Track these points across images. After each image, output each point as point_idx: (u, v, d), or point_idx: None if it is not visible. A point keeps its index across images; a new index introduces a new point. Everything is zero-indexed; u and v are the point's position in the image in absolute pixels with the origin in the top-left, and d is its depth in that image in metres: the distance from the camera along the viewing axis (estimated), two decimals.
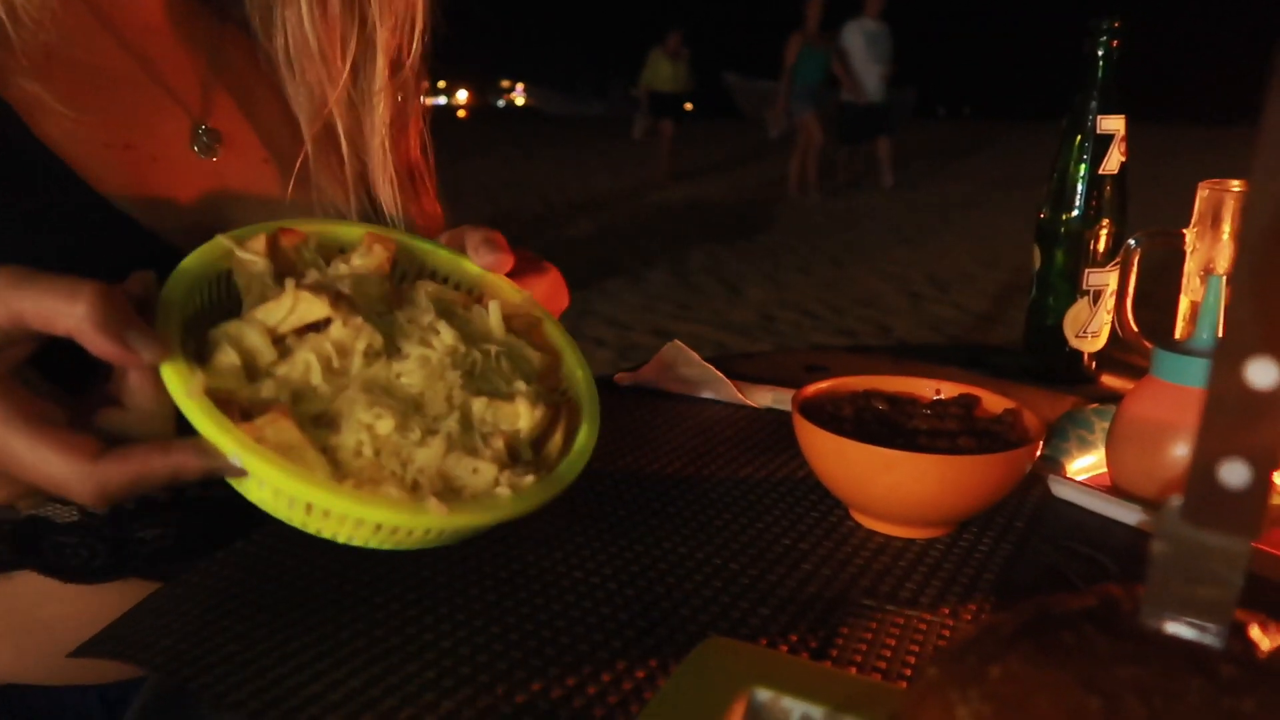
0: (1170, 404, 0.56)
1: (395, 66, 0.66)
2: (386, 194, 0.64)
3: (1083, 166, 0.81)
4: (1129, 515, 0.57)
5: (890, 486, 0.52)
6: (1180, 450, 0.55)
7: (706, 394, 0.75)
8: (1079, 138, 0.81)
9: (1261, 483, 0.22)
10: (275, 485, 0.39)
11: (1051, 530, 0.57)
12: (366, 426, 0.41)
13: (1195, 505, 0.23)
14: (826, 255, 6.08)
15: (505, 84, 64.70)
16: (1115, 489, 0.59)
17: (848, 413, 0.57)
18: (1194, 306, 0.78)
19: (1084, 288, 0.82)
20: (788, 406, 0.73)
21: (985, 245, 6.36)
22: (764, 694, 0.38)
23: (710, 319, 4.41)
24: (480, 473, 0.42)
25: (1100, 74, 0.79)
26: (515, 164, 10.86)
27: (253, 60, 0.64)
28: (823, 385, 0.60)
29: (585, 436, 0.47)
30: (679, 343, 0.73)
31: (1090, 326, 0.82)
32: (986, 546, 0.54)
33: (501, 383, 0.46)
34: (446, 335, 0.45)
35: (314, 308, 0.43)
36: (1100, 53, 0.78)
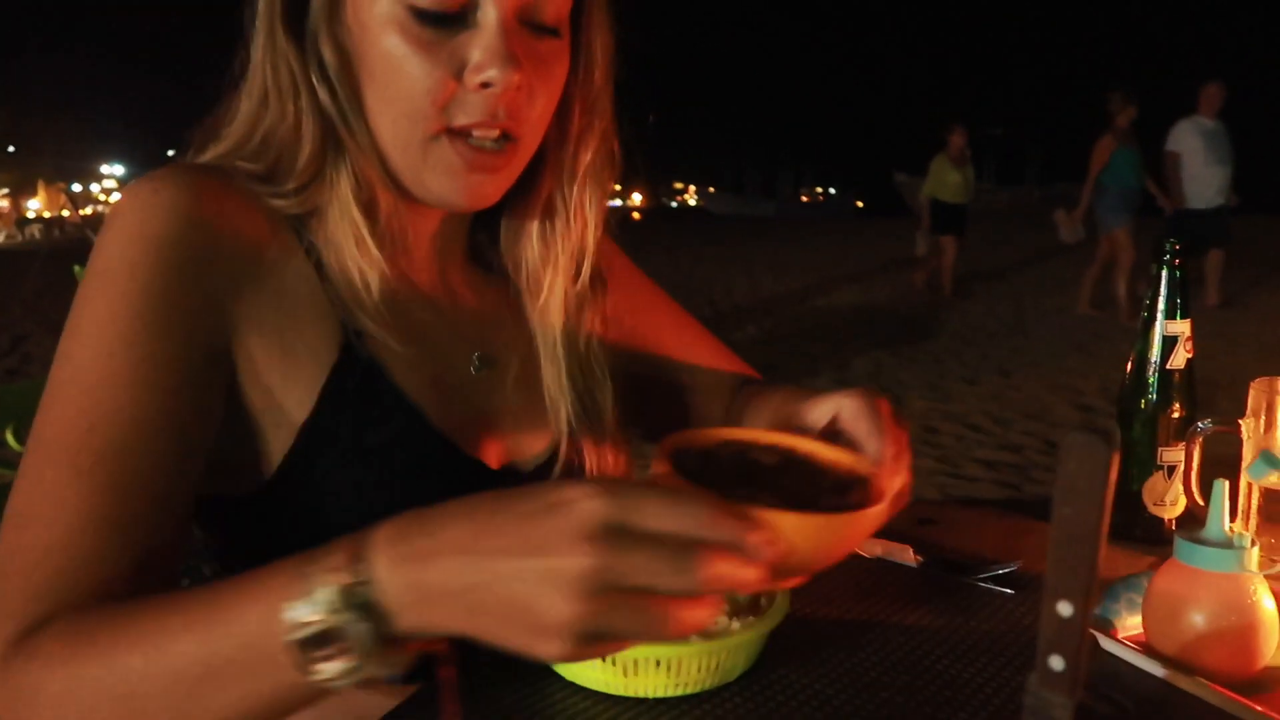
0: (1186, 583, 0.71)
1: (574, 280, 0.85)
2: (600, 375, 0.85)
3: (1153, 360, 0.96)
4: (1155, 669, 0.72)
5: None
6: (1195, 620, 0.70)
7: None
8: (1150, 335, 0.96)
9: (1073, 668, 0.41)
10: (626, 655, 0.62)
11: (1092, 677, 0.72)
12: None
13: (1040, 678, 0.42)
14: (994, 364, 6.04)
15: (678, 185, 67.07)
16: (1148, 647, 0.74)
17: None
18: (1249, 486, 0.91)
19: (1159, 462, 0.96)
20: (896, 558, 0.91)
21: None
22: None
23: None
24: (719, 623, 0.67)
25: (1165, 287, 0.95)
26: (683, 265, 11.28)
27: (501, 295, 0.87)
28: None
29: (782, 595, 0.72)
30: None
31: (1167, 496, 0.96)
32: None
33: None
34: None
35: None
36: (1164, 272, 0.94)
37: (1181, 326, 0.95)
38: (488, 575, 0.46)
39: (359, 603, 0.47)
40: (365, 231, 0.73)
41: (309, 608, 0.48)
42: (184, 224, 0.67)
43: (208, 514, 0.76)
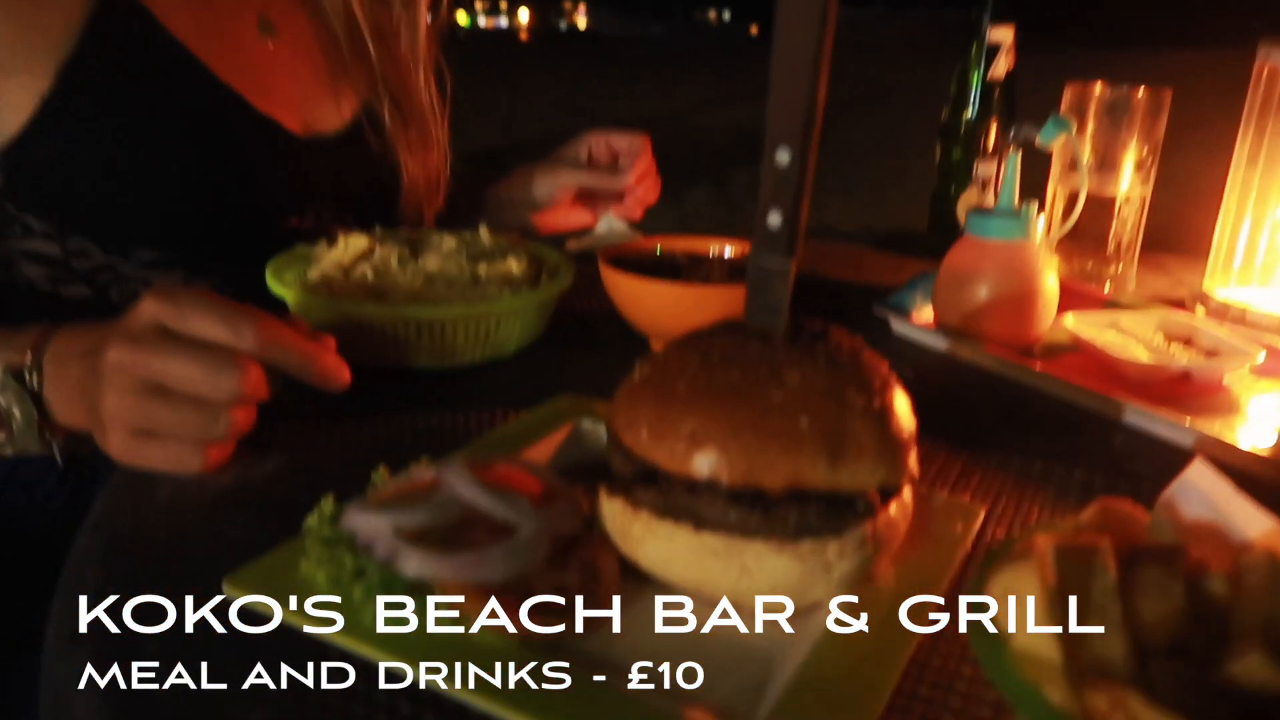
0: (975, 254, 0.71)
1: None
2: (423, 93, 0.87)
3: (975, 72, 0.93)
4: (939, 342, 0.72)
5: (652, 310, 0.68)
6: (980, 289, 0.70)
7: None
8: (974, 47, 0.93)
9: (790, 222, 0.38)
10: None
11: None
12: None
13: (759, 243, 0.39)
14: (868, 177, 6.12)
15: (567, 5, 63.80)
16: (938, 326, 0.74)
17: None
18: (1054, 193, 0.91)
19: (975, 176, 0.95)
20: None
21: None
22: (587, 423, 0.54)
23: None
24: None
25: None
26: (570, 87, 10.90)
27: None
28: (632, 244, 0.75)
29: (565, 269, 0.71)
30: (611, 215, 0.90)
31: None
32: None
33: (497, 256, 0.69)
34: (449, 240, 0.71)
35: (359, 242, 0.68)
36: None
37: (1004, 34, 0.92)
38: (80, 371, 0.50)
39: (27, 387, 0.53)
40: None
41: None
42: None
43: None
